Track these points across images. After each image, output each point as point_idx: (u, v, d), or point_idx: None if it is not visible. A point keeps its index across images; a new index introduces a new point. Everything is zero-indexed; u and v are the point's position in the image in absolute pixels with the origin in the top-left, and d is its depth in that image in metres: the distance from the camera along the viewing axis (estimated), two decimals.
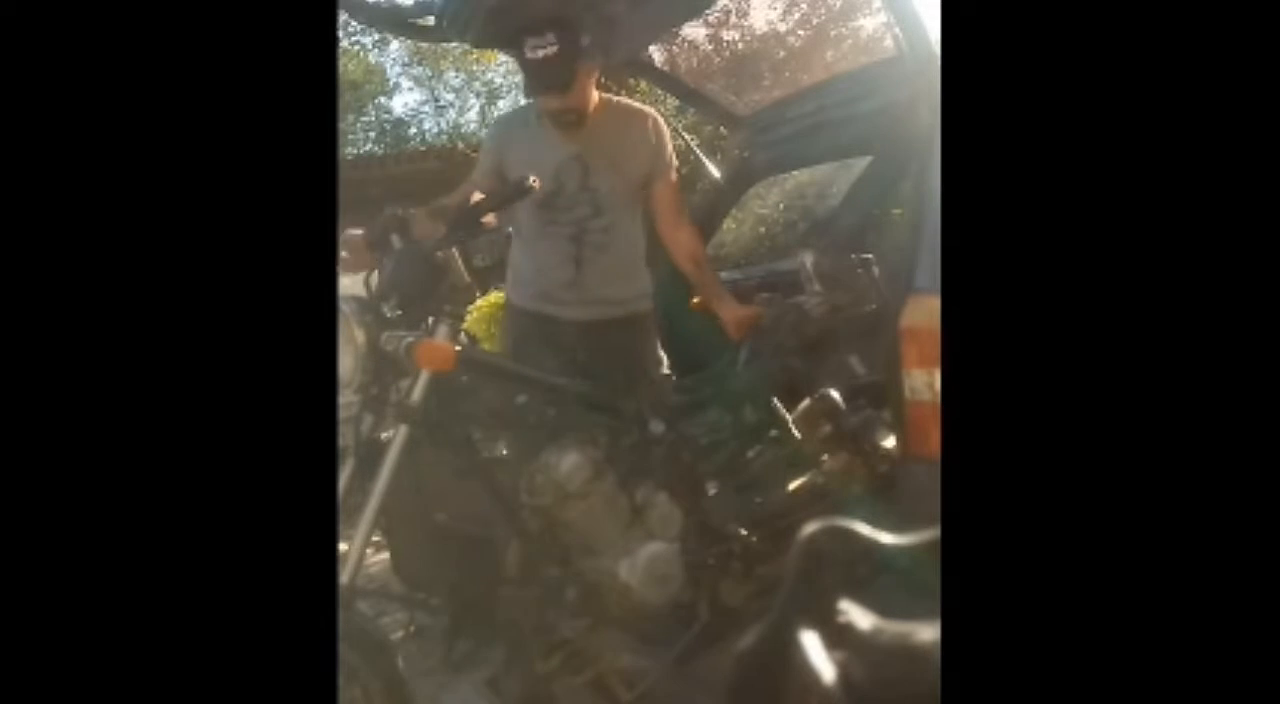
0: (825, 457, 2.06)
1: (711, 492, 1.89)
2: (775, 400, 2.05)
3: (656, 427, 1.82)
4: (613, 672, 1.75)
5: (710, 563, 1.82)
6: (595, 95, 2.13)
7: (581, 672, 1.72)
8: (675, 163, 2.25)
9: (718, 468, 1.92)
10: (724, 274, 3.34)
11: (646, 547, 1.67)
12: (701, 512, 1.83)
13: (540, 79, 2.04)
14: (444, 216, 1.78)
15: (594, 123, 2.13)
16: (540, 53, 1.98)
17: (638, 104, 2.35)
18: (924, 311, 1.62)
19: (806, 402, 2.11)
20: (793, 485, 2.01)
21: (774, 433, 2.02)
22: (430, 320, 1.63)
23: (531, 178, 1.73)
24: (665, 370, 2.40)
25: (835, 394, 2.09)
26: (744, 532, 1.84)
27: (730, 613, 1.82)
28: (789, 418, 2.05)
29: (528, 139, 2.17)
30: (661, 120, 2.25)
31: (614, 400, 1.84)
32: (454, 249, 1.69)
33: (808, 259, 2.56)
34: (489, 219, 2.02)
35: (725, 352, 2.16)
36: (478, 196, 1.78)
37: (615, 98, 2.32)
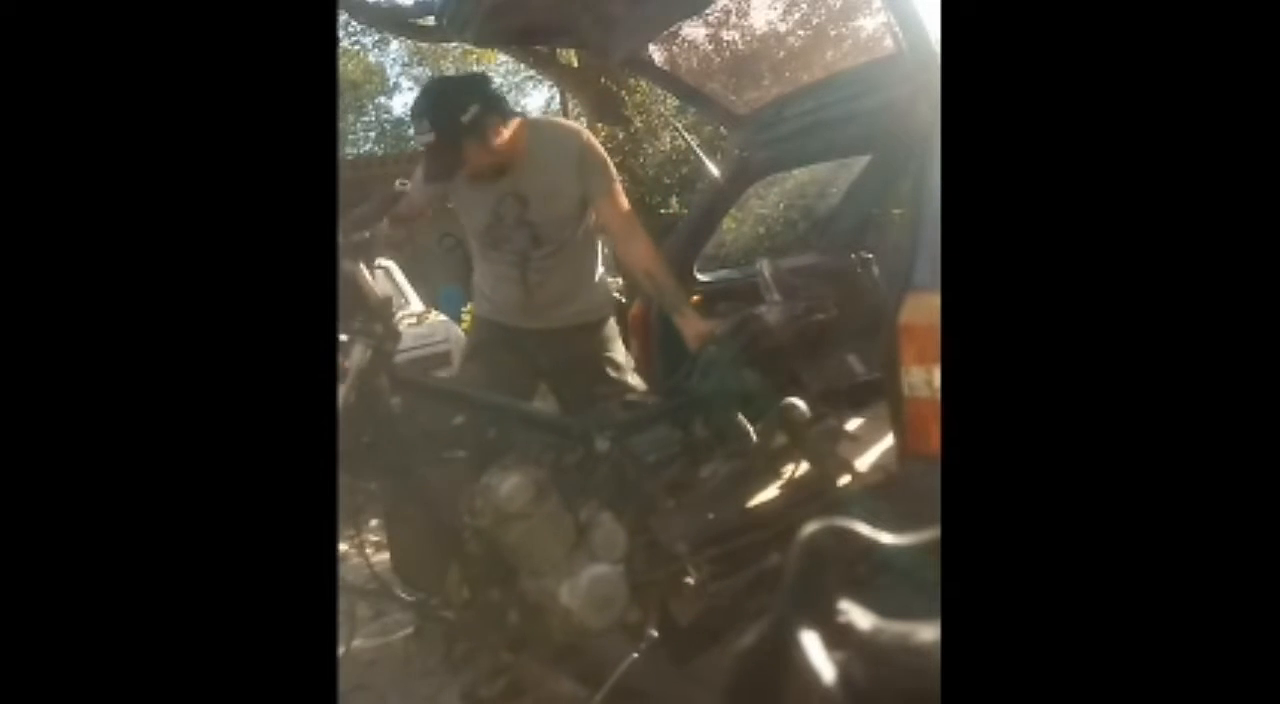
0: (788, 469, 2.00)
1: (661, 510, 1.83)
2: (739, 413, 2.00)
3: (602, 444, 1.77)
4: (554, 698, 1.72)
5: (659, 582, 1.77)
6: (512, 137, 2.10)
7: (522, 698, 1.70)
8: (615, 176, 2.24)
9: (667, 485, 1.86)
10: (724, 273, 3.34)
11: (589, 569, 1.64)
12: (649, 531, 1.78)
13: (429, 166, 2.09)
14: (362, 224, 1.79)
15: (519, 159, 2.13)
16: (421, 139, 2.03)
17: (567, 125, 2.36)
18: (923, 309, 1.62)
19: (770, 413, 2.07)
20: (750, 501, 1.94)
21: (731, 447, 1.96)
22: (344, 338, 1.60)
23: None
24: (629, 374, 2.40)
25: (800, 404, 2.03)
26: (695, 549, 1.79)
27: (682, 632, 1.78)
28: (751, 430, 2.00)
29: (463, 180, 2.18)
30: (592, 138, 2.24)
31: (558, 418, 1.83)
32: (361, 265, 1.66)
33: (765, 267, 2.55)
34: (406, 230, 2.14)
35: (684, 363, 2.13)
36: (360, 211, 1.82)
37: (541, 121, 2.34)
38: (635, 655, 1.69)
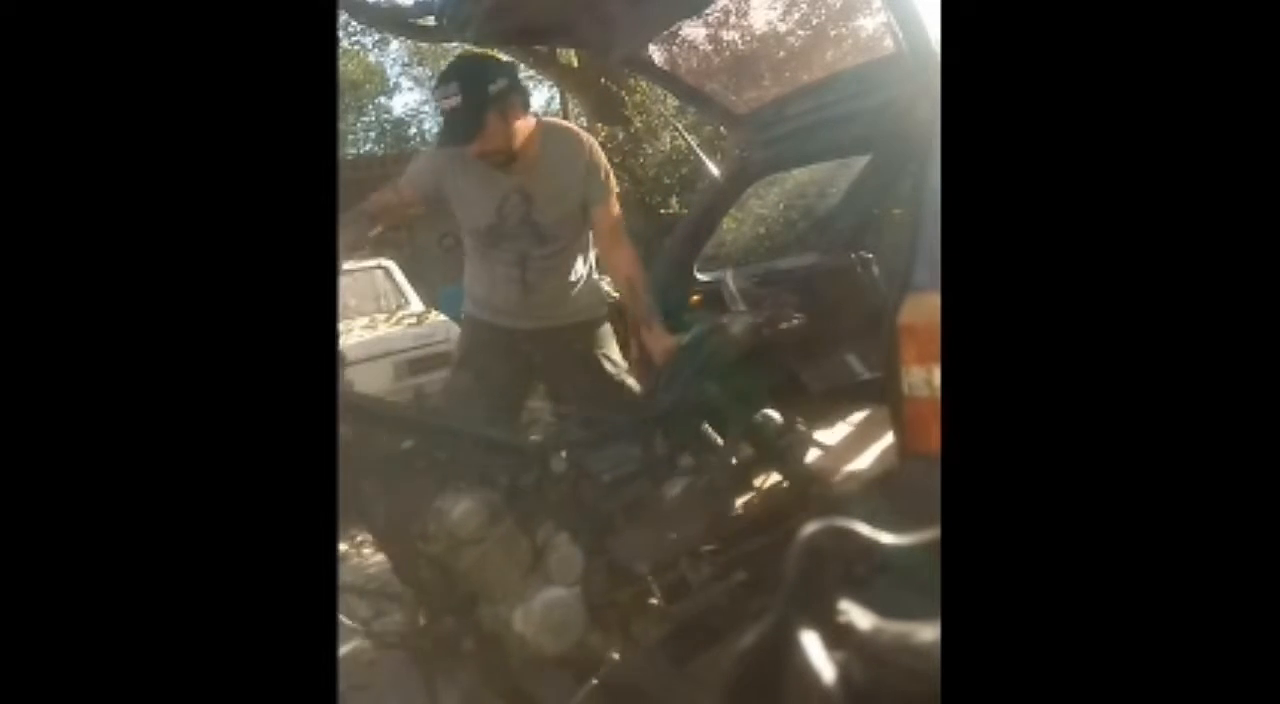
0: (757, 481, 1.95)
1: (620, 530, 1.77)
2: (702, 427, 1.95)
3: (557, 464, 1.72)
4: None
5: (620, 604, 1.71)
6: (527, 128, 2.12)
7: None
8: (614, 185, 2.28)
9: (627, 504, 1.79)
10: (724, 273, 3.33)
11: (543, 593, 1.60)
12: (607, 552, 1.73)
13: (447, 129, 2.09)
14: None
15: (531, 155, 2.15)
16: (446, 103, 2.03)
17: (578, 131, 2.36)
18: (922, 309, 1.62)
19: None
20: (716, 517, 1.88)
21: (692, 462, 1.89)
22: None
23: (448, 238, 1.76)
24: (625, 373, 2.39)
25: (774, 414, 1.98)
26: (657, 569, 1.73)
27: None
28: (716, 442, 1.95)
29: (467, 174, 2.18)
30: (596, 144, 2.27)
31: (513, 439, 1.77)
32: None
33: (729, 277, 2.53)
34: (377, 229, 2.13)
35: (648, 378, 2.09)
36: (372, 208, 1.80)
37: (553, 123, 2.35)
38: (597, 677, 1.65)
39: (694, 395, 1.94)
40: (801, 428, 2.01)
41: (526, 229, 2.20)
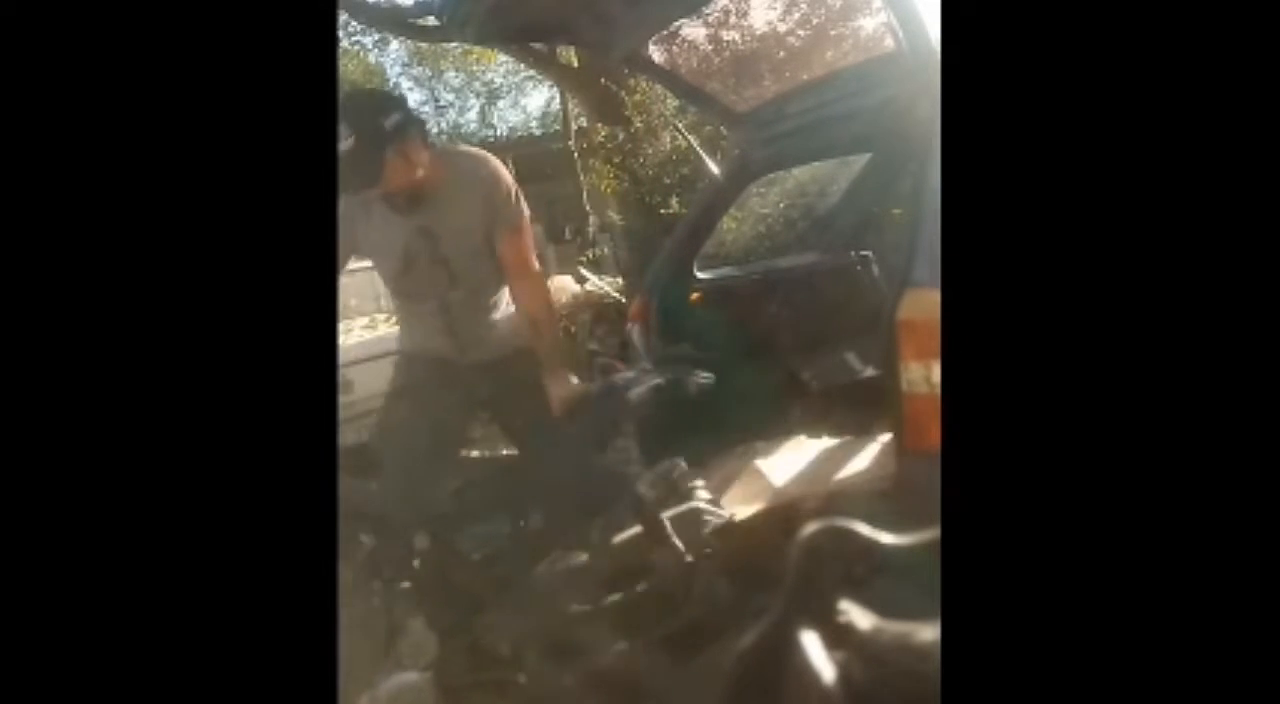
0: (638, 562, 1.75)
1: (487, 609, 1.65)
2: (584, 502, 1.78)
3: (421, 541, 1.62)
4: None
5: (483, 685, 1.60)
6: (427, 161, 1.99)
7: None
8: (522, 208, 2.11)
9: (494, 583, 1.68)
10: (724, 272, 3.34)
11: (393, 678, 1.50)
12: (470, 632, 1.62)
13: (344, 175, 1.86)
14: None
15: (432, 190, 2.02)
16: (341, 146, 1.84)
17: (476, 152, 2.19)
18: (921, 305, 1.62)
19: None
20: (590, 598, 1.70)
21: (569, 540, 1.75)
22: None
23: None
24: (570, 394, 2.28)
25: (670, 482, 1.79)
26: (522, 649, 1.61)
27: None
28: (601, 521, 1.79)
29: (370, 219, 2.05)
30: (500, 167, 2.12)
31: (377, 510, 1.67)
32: None
33: (634, 331, 2.41)
34: None
35: (543, 437, 1.95)
36: None
37: (452, 151, 2.20)
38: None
39: (576, 470, 1.80)
40: (700, 503, 1.79)
41: (438, 269, 2.08)
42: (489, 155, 2.15)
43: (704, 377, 1.94)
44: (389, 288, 2.20)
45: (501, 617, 1.65)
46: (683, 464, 1.83)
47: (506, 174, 2.11)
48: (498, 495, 1.81)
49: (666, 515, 1.71)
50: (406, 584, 1.62)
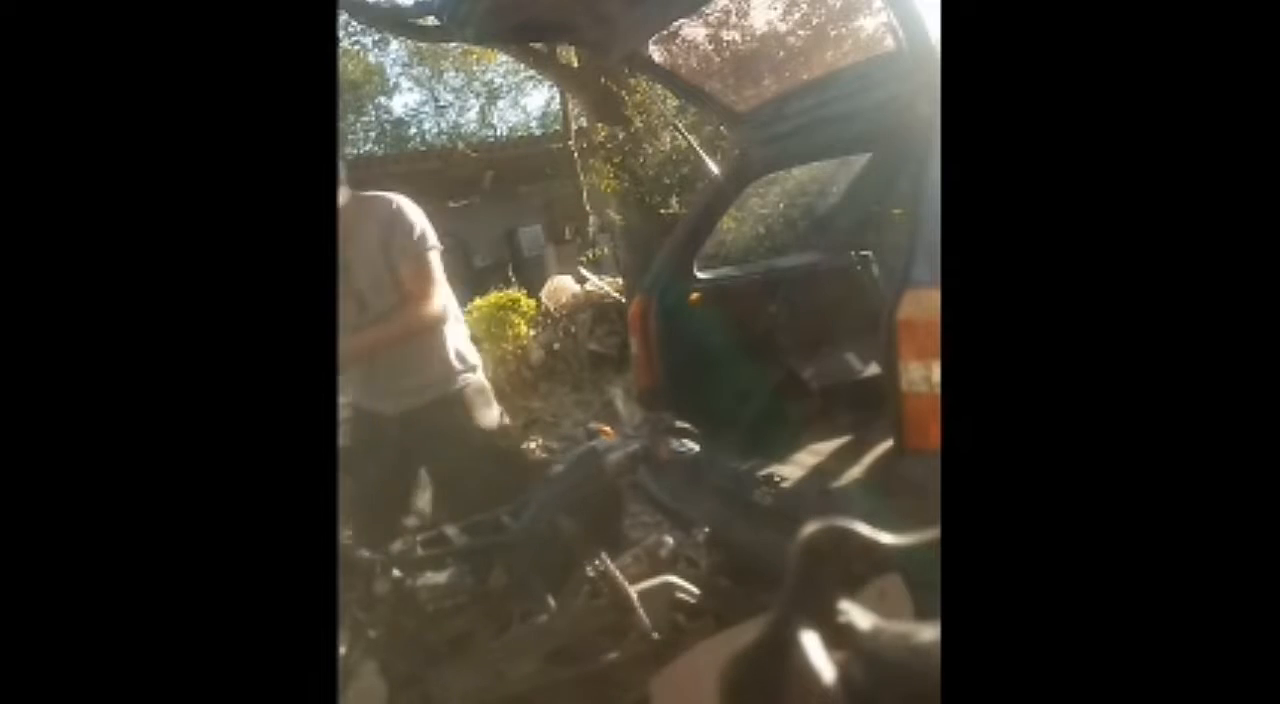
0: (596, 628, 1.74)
1: (440, 663, 1.64)
2: (547, 565, 1.76)
3: (381, 586, 1.60)
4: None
5: None
6: (342, 199, 2.08)
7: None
8: (429, 244, 2.16)
9: (450, 638, 1.66)
10: (724, 272, 3.33)
11: None
12: (422, 683, 1.61)
13: None
14: None
15: (346, 228, 2.08)
16: None
17: (384, 195, 2.24)
18: (921, 304, 1.63)
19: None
20: (547, 661, 1.70)
21: (529, 604, 1.72)
22: None
23: None
24: (501, 439, 2.31)
25: (608, 563, 1.75)
26: None
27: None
28: (551, 595, 1.74)
29: None
30: (407, 206, 2.18)
31: (351, 551, 1.66)
32: None
33: (617, 397, 2.37)
34: None
35: (512, 495, 1.95)
36: None
37: (365, 195, 2.24)
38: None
39: (545, 528, 1.78)
40: (671, 577, 1.78)
41: (350, 300, 2.14)
42: (399, 197, 2.20)
43: (683, 446, 1.91)
44: None
45: (455, 674, 1.62)
46: (669, 541, 1.83)
47: (413, 212, 2.17)
48: (465, 548, 1.77)
49: (638, 588, 1.72)
50: (371, 632, 1.61)
